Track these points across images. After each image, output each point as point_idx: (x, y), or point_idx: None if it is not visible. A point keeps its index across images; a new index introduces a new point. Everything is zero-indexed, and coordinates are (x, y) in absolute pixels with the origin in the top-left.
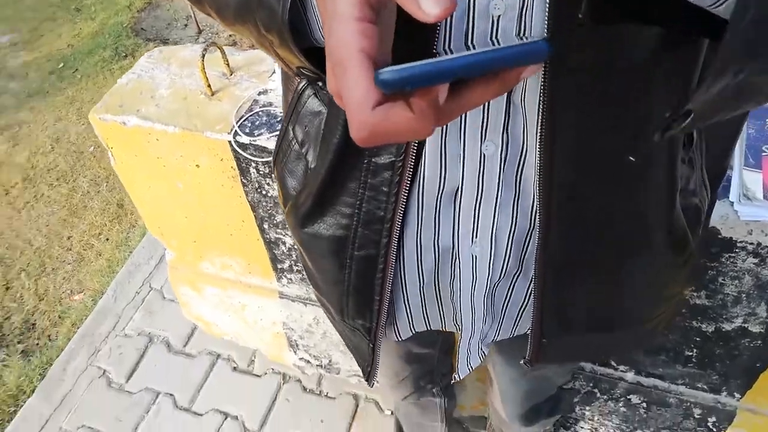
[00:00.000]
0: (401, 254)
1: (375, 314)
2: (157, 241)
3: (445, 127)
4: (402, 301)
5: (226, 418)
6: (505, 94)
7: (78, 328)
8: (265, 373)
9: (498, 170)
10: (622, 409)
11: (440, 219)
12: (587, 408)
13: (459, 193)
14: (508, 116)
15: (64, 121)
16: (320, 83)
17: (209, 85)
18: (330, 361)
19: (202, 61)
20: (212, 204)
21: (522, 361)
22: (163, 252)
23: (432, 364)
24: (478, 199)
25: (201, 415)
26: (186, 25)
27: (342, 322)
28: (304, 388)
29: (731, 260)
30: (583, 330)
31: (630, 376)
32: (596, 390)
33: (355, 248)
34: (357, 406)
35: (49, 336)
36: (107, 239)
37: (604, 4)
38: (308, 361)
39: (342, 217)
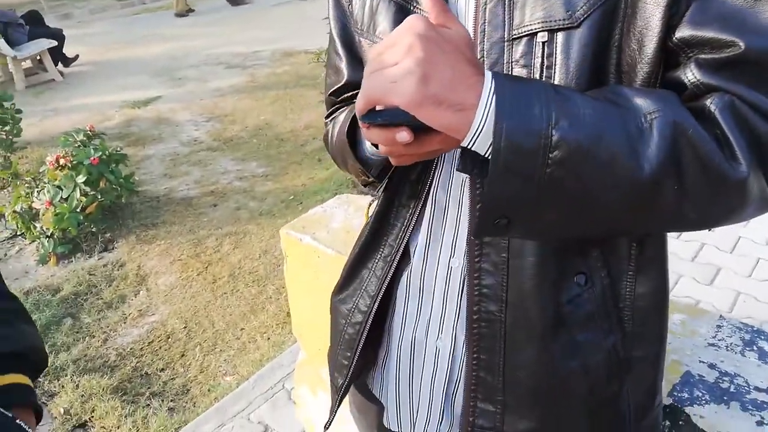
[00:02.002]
0: (388, 341)
1: (347, 373)
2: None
3: (429, 241)
4: (387, 386)
5: None
6: (468, 224)
7: (218, 401)
8: None
9: (460, 281)
10: None
11: (420, 312)
12: None
13: (433, 292)
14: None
15: (275, 238)
16: (377, 192)
17: None
18: None
19: (368, 208)
20: None
21: None
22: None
23: None
24: (444, 301)
25: None
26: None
27: (331, 383)
28: None
29: None
30: (510, 425)
31: None
32: None
33: (352, 315)
34: None
35: (194, 402)
36: (268, 338)
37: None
38: None
39: (352, 293)
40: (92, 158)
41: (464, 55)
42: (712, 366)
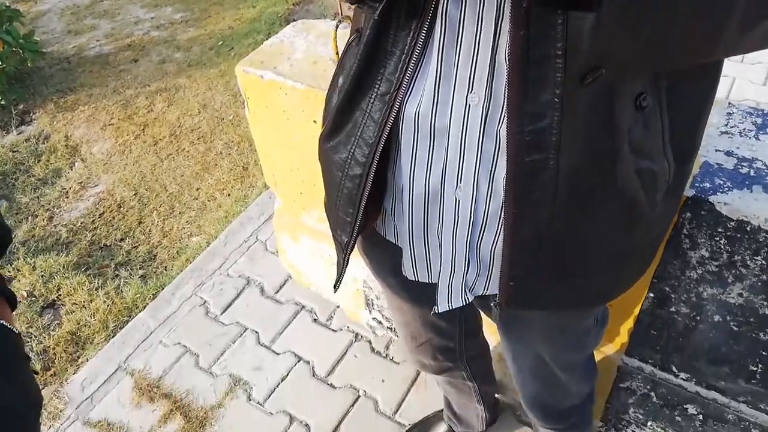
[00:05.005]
0: (395, 189)
1: (351, 231)
2: (269, 201)
3: (440, 72)
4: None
5: (299, 361)
6: (490, 51)
7: (191, 263)
8: (341, 329)
9: (480, 121)
10: (678, 418)
11: (433, 159)
12: (641, 411)
13: (448, 135)
14: (493, 72)
15: (213, 90)
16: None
17: (338, 53)
18: None
19: (335, 31)
20: None
21: (492, 303)
22: (272, 212)
23: (452, 339)
24: (462, 144)
25: (278, 354)
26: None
27: (334, 240)
28: (373, 349)
29: None
30: (547, 273)
31: (690, 385)
32: (653, 393)
33: (349, 167)
34: (418, 374)
35: (165, 267)
36: (229, 195)
37: None
38: (380, 322)
39: (346, 140)
40: None
41: None
42: (728, 153)
